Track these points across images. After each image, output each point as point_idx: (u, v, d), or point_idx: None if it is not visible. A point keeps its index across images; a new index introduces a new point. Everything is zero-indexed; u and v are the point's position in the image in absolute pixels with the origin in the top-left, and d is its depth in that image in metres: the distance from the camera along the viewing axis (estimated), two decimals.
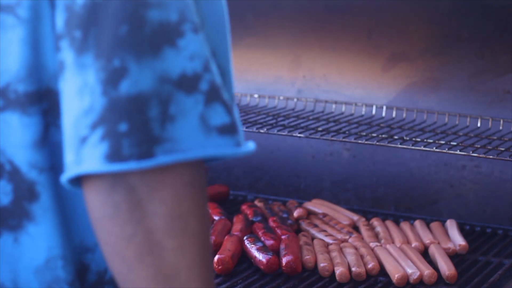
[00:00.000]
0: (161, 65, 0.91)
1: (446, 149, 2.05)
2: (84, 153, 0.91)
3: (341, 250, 2.04)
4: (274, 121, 2.32)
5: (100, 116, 0.90)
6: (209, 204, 2.31)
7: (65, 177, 0.92)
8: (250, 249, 1.98)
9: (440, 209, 2.39)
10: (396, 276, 1.89)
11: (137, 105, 0.90)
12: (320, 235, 2.15)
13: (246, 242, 2.01)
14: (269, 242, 2.03)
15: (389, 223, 2.23)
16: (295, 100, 2.50)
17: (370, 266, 1.95)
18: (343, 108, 2.43)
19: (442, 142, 2.11)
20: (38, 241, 1.03)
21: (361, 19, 2.42)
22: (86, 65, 0.92)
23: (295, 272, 1.92)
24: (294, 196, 2.54)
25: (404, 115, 2.36)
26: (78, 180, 0.93)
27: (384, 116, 2.38)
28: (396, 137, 2.14)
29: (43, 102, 0.99)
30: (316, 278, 1.93)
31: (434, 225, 2.22)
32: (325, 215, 2.30)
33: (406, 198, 2.43)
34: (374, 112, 2.39)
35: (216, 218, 2.23)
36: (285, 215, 2.27)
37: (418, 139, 2.13)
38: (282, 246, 1.99)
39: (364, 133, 2.18)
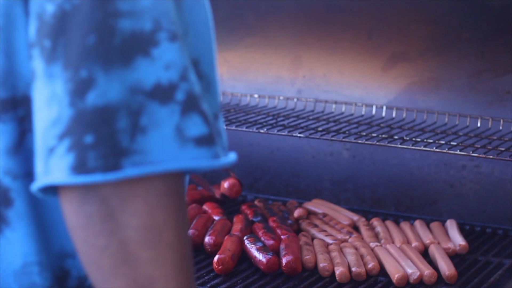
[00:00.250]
0: (133, 75, 0.90)
1: (446, 149, 2.05)
2: (52, 164, 0.90)
3: (341, 250, 2.04)
4: (274, 121, 2.32)
5: (67, 127, 0.89)
6: (209, 204, 2.33)
7: (34, 187, 0.92)
8: (250, 249, 1.98)
9: (440, 209, 2.39)
10: (396, 276, 1.89)
11: (104, 116, 0.88)
12: (320, 235, 2.15)
13: (246, 242, 2.01)
14: (269, 242, 2.03)
15: (389, 223, 2.23)
16: (295, 100, 2.50)
17: (370, 266, 1.95)
18: (343, 108, 2.43)
19: (442, 142, 2.11)
20: (14, 246, 1.02)
21: (361, 19, 2.42)
22: (55, 75, 0.91)
23: (295, 272, 1.92)
24: (294, 196, 2.54)
25: (404, 115, 2.36)
26: (53, 188, 0.92)
27: (384, 116, 2.38)
28: (396, 137, 2.14)
29: (19, 109, 0.98)
30: (316, 278, 1.93)
31: (434, 225, 2.22)
32: (325, 215, 2.30)
33: (406, 198, 2.44)
34: (374, 112, 2.39)
35: (216, 218, 2.23)
36: (285, 215, 2.27)
37: (418, 139, 2.13)
38: (282, 246, 1.99)
39: (364, 133, 2.18)
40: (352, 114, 2.40)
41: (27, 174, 0.99)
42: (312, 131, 2.21)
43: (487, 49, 2.28)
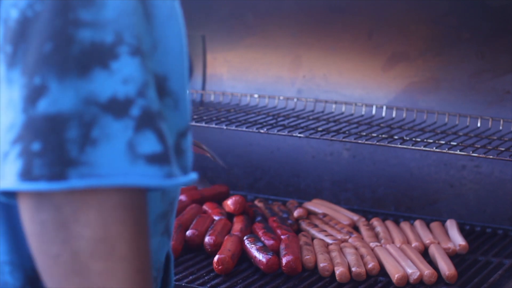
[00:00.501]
0: (88, 86, 0.89)
1: (446, 149, 2.05)
2: (4, 169, 0.90)
3: (341, 250, 2.04)
4: (274, 121, 2.32)
5: (18, 133, 0.89)
6: (209, 204, 2.33)
7: None
8: (250, 249, 1.98)
9: (440, 209, 2.39)
10: (396, 276, 1.89)
11: (53, 125, 0.88)
12: (320, 235, 2.15)
13: (246, 242, 2.01)
14: (269, 242, 2.03)
15: (389, 223, 2.23)
16: (295, 100, 2.50)
17: (370, 266, 1.95)
18: (343, 108, 2.43)
19: (442, 142, 2.11)
20: None
21: (361, 19, 2.42)
22: (13, 81, 0.91)
23: (295, 272, 1.92)
24: (294, 196, 2.54)
25: (404, 115, 2.36)
26: (13, 193, 0.92)
27: (384, 116, 2.38)
28: (396, 137, 2.14)
29: None
30: (316, 278, 1.93)
31: (434, 225, 2.22)
32: (325, 215, 2.30)
33: (406, 198, 2.44)
34: (374, 112, 2.39)
35: (216, 218, 2.23)
36: (285, 215, 2.27)
37: (418, 139, 2.13)
38: (282, 246, 1.99)
39: (364, 133, 2.18)
40: (352, 114, 2.41)
41: None
42: (312, 131, 2.21)
43: (487, 49, 2.28)
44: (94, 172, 0.89)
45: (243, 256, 2.01)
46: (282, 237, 2.05)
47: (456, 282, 1.90)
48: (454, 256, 2.05)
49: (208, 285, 1.89)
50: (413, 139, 2.13)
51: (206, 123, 2.30)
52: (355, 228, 2.25)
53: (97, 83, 0.90)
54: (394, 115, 2.37)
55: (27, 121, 0.89)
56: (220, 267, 1.93)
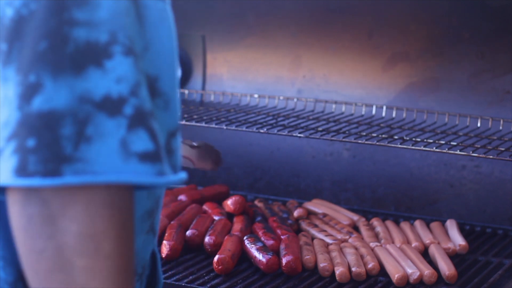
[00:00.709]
0: (83, 85, 0.90)
1: (446, 149, 2.05)
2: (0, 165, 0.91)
3: (341, 250, 2.04)
4: (274, 121, 2.32)
5: (13, 130, 0.90)
6: (209, 204, 2.33)
7: None
8: (250, 249, 1.98)
9: (440, 209, 2.39)
10: (396, 276, 1.89)
11: (48, 122, 0.89)
12: (320, 235, 2.15)
13: (246, 242, 2.01)
14: (269, 242, 2.03)
15: (389, 223, 2.23)
16: (295, 100, 2.50)
17: (370, 266, 1.95)
18: (343, 108, 2.43)
19: (442, 142, 2.11)
20: None
21: (361, 19, 2.42)
22: (8, 78, 0.92)
23: (295, 272, 1.92)
24: (294, 196, 2.54)
25: (404, 115, 2.36)
26: (3, 189, 0.93)
27: (384, 116, 2.38)
28: (396, 137, 2.14)
29: None
30: (316, 278, 1.93)
31: (434, 225, 2.22)
32: (325, 215, 2.30)
33: (406, 198, 2.44)
34: (374, 112, 2.39)
35: (216, 218, 2.23)
36: (285, 215, 2.27)
37: (418, 139, 2.13)
38: (282, 246, 1.99)
39: (364, 133, 2.18)
40: (352, 114, 2.41)
41: None
42: (312, 131, 2.21)
43: (487, 49, 2.28)
44: (88, 169, 0.89)
45: (243, 256, 2.01)
46: (282, 237, 2.05)
47: (456, 282, 1.90)
48: (454, 256, 2.05)
49: (208, 285, 1.89)
50: (413, 139, 2.13)
51: (206, 123, 2.30)
52: (355, 228, 2.25)
53: (92, 81, 0.91)
54: (394, 115, 2.37)
55: (22, 118, 0.90)
56: (220, 267, 1.93)
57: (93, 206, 0.90)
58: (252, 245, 1.98)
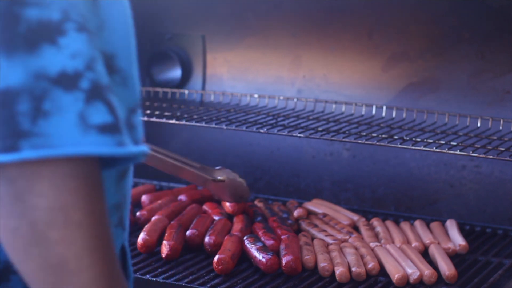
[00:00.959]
0: (38, 62, 0.92)
1: (446, 149, 2.05)
2: None
3: (341, 250, 2.04)
4: (274, 121, 2.32)
5: None
6: (209, 204, 2.33)
7: None
8: (250, 249, 1.98)
9: (440, 209, 2.39)
10: (396, 276, 1.89)
11: (4, 99, 0.91)
12: (320, 235, 2.15)
13: (246, 242, 2.01)
14: (269, 242, 2.03)
15: (389, 223, 2.23)
16: (295, 100, 2.50)
17: (370, 266, 1.95)
18: (343, 108, 2.43)
19: (442, 142, 2.11)
20: None
21: (361, 19, 2.42)
22: None
23: (295, 272, 1.92)
24: (294, 196, 2.54)
25: (404, 115, 2.36)
26: None
27: (384, 116, 2.38)
28: (396, 137, 2.14)
29: None
30: (316, 278, 1.93)
31: (434, 225, 2.22)
32: (325, 215, 2.30)
33: (406, 198, 2.44)
34: (374, 112, 2.39)
35: (216, 218, 2.23)
36: (285, 215, 2.27)
37: (418, 139, 2.13)
38: (282, 246, 1.99)
39: (364, 133, 2.18)
40: (352, 114, 2.40)
41: None
42: (312, 131, 2.21)
43: (487, 49, 2.28)
44: (46, 143, 0.91)
45: (243, 256, 2.01)
46: (282, 237, 2.05)
47: (456, 282, 1.90)
48: (454, 256, 2.05)
49: (208, 285, 1.89)
50: (413, 139, 2.13)
51: (206, 123, 2.30)
52: (355, 228, 2.25)
53: (46, 58, 0.93)
54: (394, 115, 2.37)
55: None
56: (220, 267, 1.93)
57: (58, 179, 0.92)
58: (252, 245, 1.98)
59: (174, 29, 2.70)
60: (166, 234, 2.07)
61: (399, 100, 2.40)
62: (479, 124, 2.25)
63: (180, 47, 2.70)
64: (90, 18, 0.98)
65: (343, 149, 2.51)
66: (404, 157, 2.42)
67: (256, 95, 2.55)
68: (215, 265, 1.93)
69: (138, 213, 2.30)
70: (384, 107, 2.39)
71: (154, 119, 2.37)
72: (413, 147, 2.09)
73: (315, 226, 2.22)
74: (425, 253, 2.05)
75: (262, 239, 2.05)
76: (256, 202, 2.40)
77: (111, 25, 1.04)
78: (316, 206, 2.36)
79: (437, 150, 2.06)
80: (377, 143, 2.12)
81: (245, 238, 2.03)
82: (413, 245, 2.09)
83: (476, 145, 2.07)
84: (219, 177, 2.00)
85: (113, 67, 1.03)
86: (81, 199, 0.93)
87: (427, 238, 2.12)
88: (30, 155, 0.90)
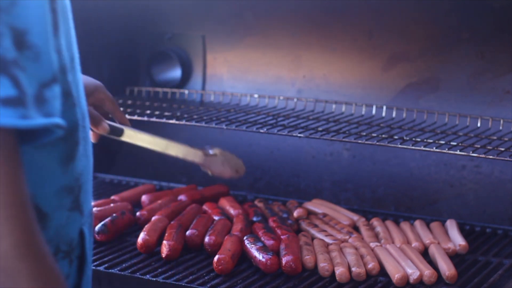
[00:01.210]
0: None
1: (446, 149, 2.05)
2: None
3: (341, 250, 2.04)
4: (274, 121, 2.32)
5: None
6: (209, 204, 2.33)
7: None
8: (250, 249, 1.98)
9: (440, 209, 2.39)
10: (396, 276, 1.89)
11: None
12: (320, 235, 2.15)
13: (246, 242, 2.01)
14: (269, 242, 2.03)
15: (389, 223, 2.23)
16: (295, 100, 2.50)
17: (370, 266, 1.95)
18: (343, 108, 2.43)
19: (442, 142, 2.11)
20: None
21: (361, 19, 2.42)
22: None
23: (295, 272, 1.92)
24: (294, 196, 2.54)
25: (404, 115, 2.36)
26: None
27: (384, 116, 2.38)
28: (396, 137, 2.14)
29: None
30: (316, 278, 1.93)
31: (434, 225, 2.22)
32: (325, 215, 2.30)
33: (406, 198, 2.43)
34: (374, 112, 2.39)
35: (216, 218, 2.23)
36: (285, 215, 2.28)
37: (418, 139, 2.13)
38: (282, 246, 1.99)
39: (364, 133, 2.18)
40: (352, 114, 2.41)
41: None
42: (312, 131, 2.21)
43: (487, 49, 2.28)
44: None
45: (243, 256, 2.01)
46: (282, 237, 2.05)
47: (456, 282, 1.90)
48: (454, 256, 2.05)
49: (208, 285, 1.89)
50: (413, 139, 2.13)
51: (206, 123, 2.30)
52: (355, 228, 2.25)
53: None
54: (394, 115, 2.37)
55: None
56: (220, 267, 1.93)
57: None
58: (252, 245, 1.98)
59: (174, 29, 2.70)
60: (166, 234, 2.07)
61: (399, 100, 2.40)
62: (479, 124, 2.25)
63: (180, 47, 2.70)
64: None
65: (343, 149, 2.51)
66: (404, 157, 2.42)
67: (256, 95, 2.55)
68: (215, 265, 1.93)
69: (138, 213, 2.30)
70: (384, 107, 2.39)
71: (154, 119, 2.37)
72: (413, 147, 2.09)
73: (315, 226, 2.22)
74: (425, 253, 2.05)
75: (262, 239, 2.05)
76: (256, 202, 2.40)
77: (24, 2, 1.05)
78: (316, 206, 2.36)
79: (437, 150, 2.07)
80: (377, 143, 2.12)
81: (245, 238, 2.03)
82: (413, 245, 2.09)
83: (476, 145, 2.07)
84: (211, 151, 2.01)
85: (24, 42, 1.04)
86: None
87: (427, 238, 2.12)
88: None
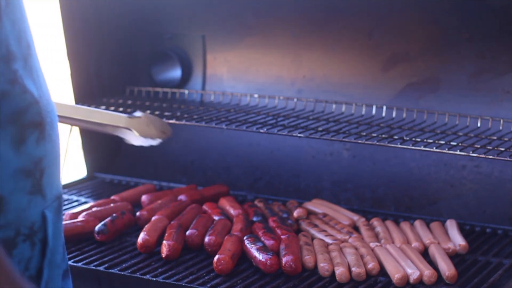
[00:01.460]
0: None
1: (446, 149, 2.05)
2: None
3: (341, 250, 2.04)
4: (274, 121, 2.32)
5: None
6: (209, 204, 2.33)
7: None
8: (250, 249, 1.98)
9: (440, 209, 2.39)
10: (396, 276, 1.89)
11: None
12: (320, 235, 2.15)
13: (246, 242, 2.01)
14: (269, 242, 2.03)
15: (389, 223, 2.23)
16: (295, 100, 2.50)
17: (370, 266, 1.95)
18: (343, 108, 2.43)
19: (442, 142, 2.11)
20: None
21: (361, 19, 2.42)
22: None
23: (295, 272, 1.92)
24: (294, 196, 2.54)
25: (404, 115, 2.36)
26: None
27: (384, 116, 2.38)
28: (396, 137, 2.14)
29: None
30: (316, 278, 1.93)
31: (434, 225, 2.22)
32: (325, 215, 2.30)
33: (406, 198, 2.43)
34: (374, 112, 2.39)
35: (216, 218, 2.23)
36: (285, 215, 2.28)
37: (418, 139, 2.13)
38: (282, 246, 1.99)
39: (364, 133, 2.18)
40: (352, 114, 2.40)
41: None
42: (312, 131, 2.21)
43: (487, 49, 2.28)
44: None
45: (243, 256, 2.01)
46: (282, 237, 2.05)
47: (456, 282, 1.90)
48: (454, 256, 2.05)
49: (208, 285, 1.89)
50: (413, 139, 2.13)
51: (206, 123, 2.30)
52: (355, 228, 2.25)
53: None
54: (394, 115, 2.37)
55: None
56: (220, 267, 1.93)
57: None
58: (252, 245, 1.98)
59: (174, 29, 2.70)
60: (166, 234, 2.07)
61: (399, 100, 2.40)
62: (479, 124, 2.25)
63: (180, 47, 2.70)
64: None
65: (343, 149, 2.51)
66: (404, 157, 2.42)
67: (256, 95, 2.55)
68: (215, 265, 1.93)
69: (138, 213, 2.30)
70: (384, 107, 2.39)
71: None
72: (413, 147, 2.09)
73: (315, 226, 2.22)
74: (425, 253, 2.05)
75: (262, 239, 2.05)
76: (256, 202, 2.40)
77: None
78: (316, 206, 2.36)
79: (437, 150, 2.06)
80: (377, 143, 2.12)
81: (245, 238, 2.03)
82: (413, 245, 2.09)
83: (476, 145, 2.07)
84: (135, 114, 2.01)
85: None
86: None
87: (427, 238, 2.12)
88: None
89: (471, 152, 2.04)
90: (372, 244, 2.08)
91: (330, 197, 2.51)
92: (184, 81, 2.69)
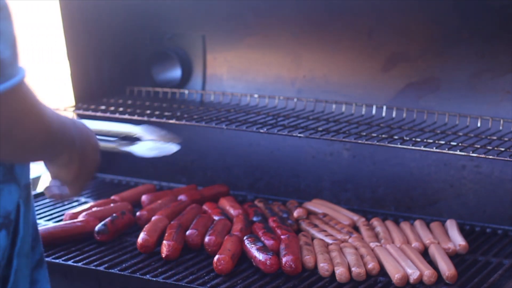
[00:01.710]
0: None
1: (446, 149, 2.05)
2: None
3: (341, 250, 2.04)
4: (274, 121, 2.32)
5: None
6: (209, 204, 2.33)
7: None
8: (250, 249, 1.98)
9: (440, 209, 2.39)
10: (396, 276, 1.89)
11: None
12: (320, 235, 2.15)
13: (246, 242, 2.01)
14: (269, 242, 2.03)
15: (389, 223, 2.23)
16: (295, 100, 2.50)
17: (370, 266, 1.95)
18: (343, 108, 2.43)
19: (442, 142, 2.11)
20: None
21: (361, 19, 2.42)
22: None
23: (295, 272, 1.92)
24: (294, 196, 2.54)
25: (404, 115, 2.36)
26: None
27: (384, 116, 2.38)
28: (396, 137, 2.14)
29: None
30: (316, 278, 1.93)
31: (434, 225, 2.22)
32: (325, 215, 2.30)
33: (406, 198, 2.43)
34: (374, 112, 2.39)
35: (216, 218, 2.23)
36: (285, 215, 2.28)
37: (418, 139, 2.13)
38: (282, 246, 1.99)
39: (364, 133, 2.18)
40: (352, 114, 2.40)
41: None
42: (312, 131, 2.21)
43: (487, 49, 2.28)
44: None
45: (243, 256, 2.01)
46: (282, 237, 2.05)
47: (456, 282, 1.90)
48: (454, 256, 2.05)
49: (208, 285, 1.89)
50: (413, 139, 2.13)
51: (206, 123, 2.30)
52: (355, 228, 2.25)
53: None
54: (394, 115, 2.37)
55: None
56: (220, 267, 1.93)
57: None
58: (252, 245, 1.98)
59: (174, 29, 2.70)
60: (166, 234, 2.07)
61: (399, 100, 2.40)
62: (479, 124, 2.25)
63: (180, 47, 2.70)
64: None
65: (343, 149, 2.51)
66: (404, 157, 2.42)
67: (256, 95, 2.55)
68: (215, 265, 1.93)
69: (138, 213, 2.30)
70: (384, 107, 2.39)
71: (154, 119, 2.37)
72: (413, 147, 2.09)
73: (315, 226, 2.22)
74: (425, 253, 2.05)
75: (262, 239, 2.05)
76: (256, 202, 2.40)
77: None
78: (316, 206, 2.37)
79: (437, 150, 2.06)
80: (377, 143, 2.12)
81: (245, 238, 2.03)
82: (413, 245, 2.09)
83: (476, 145, 2.07)
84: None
85: None
86: None
87: (427, 238, 2.12)
88: None
89: (471, 152, 2.04)
90: (372, 244, 2.08)
91: (330, 197, 2.51)
92: (184, 81, 2.69)
